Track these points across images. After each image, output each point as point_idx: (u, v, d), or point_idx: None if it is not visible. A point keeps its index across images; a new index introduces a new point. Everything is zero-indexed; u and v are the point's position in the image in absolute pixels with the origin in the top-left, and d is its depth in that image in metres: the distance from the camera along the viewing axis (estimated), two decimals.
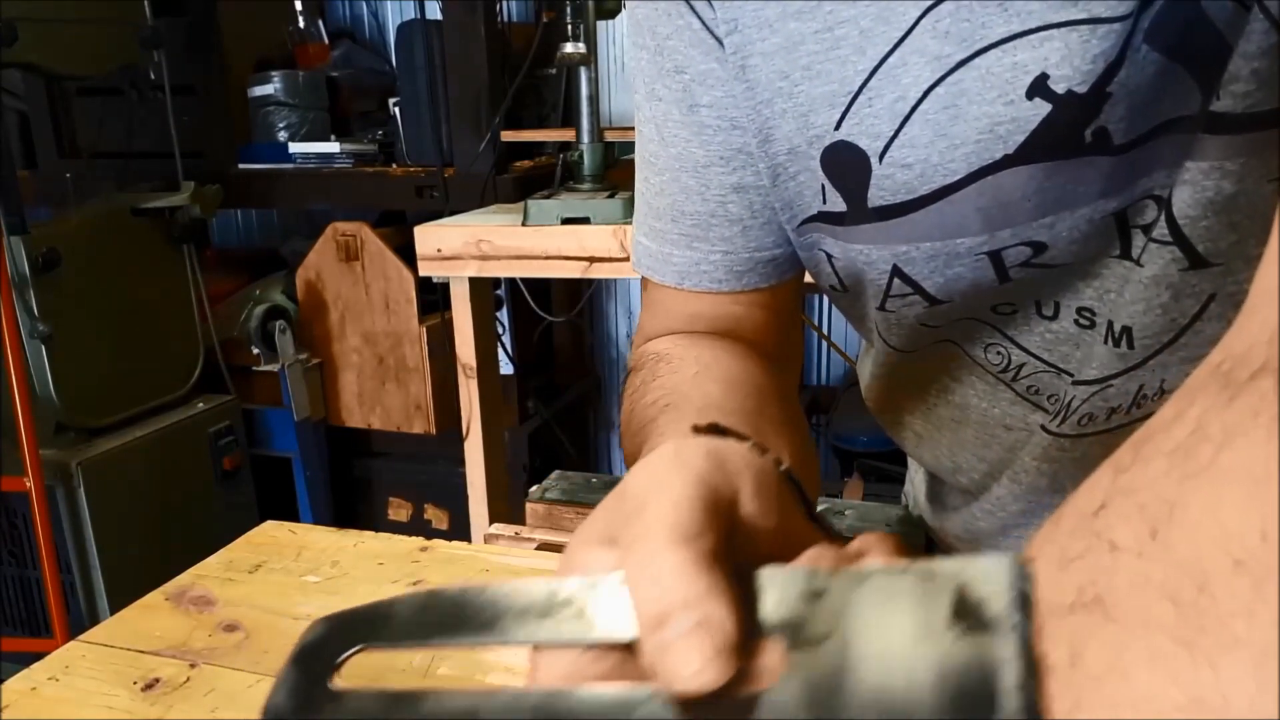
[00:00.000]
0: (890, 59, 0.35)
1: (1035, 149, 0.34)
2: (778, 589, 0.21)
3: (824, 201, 0.40)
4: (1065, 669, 0.19)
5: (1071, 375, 0.42)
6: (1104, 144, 0.34)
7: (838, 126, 0.37)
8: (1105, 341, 0.39)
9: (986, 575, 0.20)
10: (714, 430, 0.31)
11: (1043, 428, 0.44)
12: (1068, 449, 0.44)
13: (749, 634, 0.21)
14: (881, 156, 0.37)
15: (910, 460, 0.65)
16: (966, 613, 0.20)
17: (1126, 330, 0.39)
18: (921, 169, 0.36)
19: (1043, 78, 0.33)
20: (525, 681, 0.23)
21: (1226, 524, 0.17)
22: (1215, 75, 0.32)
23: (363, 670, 0.51)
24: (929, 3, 0.34)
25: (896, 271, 0.40)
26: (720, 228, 0.45)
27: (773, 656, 0.21)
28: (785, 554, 0.24)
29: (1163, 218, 0.35)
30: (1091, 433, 0.43)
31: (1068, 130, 0.34)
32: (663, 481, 0.24)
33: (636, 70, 0.46)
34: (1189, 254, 0.35)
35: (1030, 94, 0.33)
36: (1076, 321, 0.41)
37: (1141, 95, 0.33)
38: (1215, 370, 0.20)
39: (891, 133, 0.36)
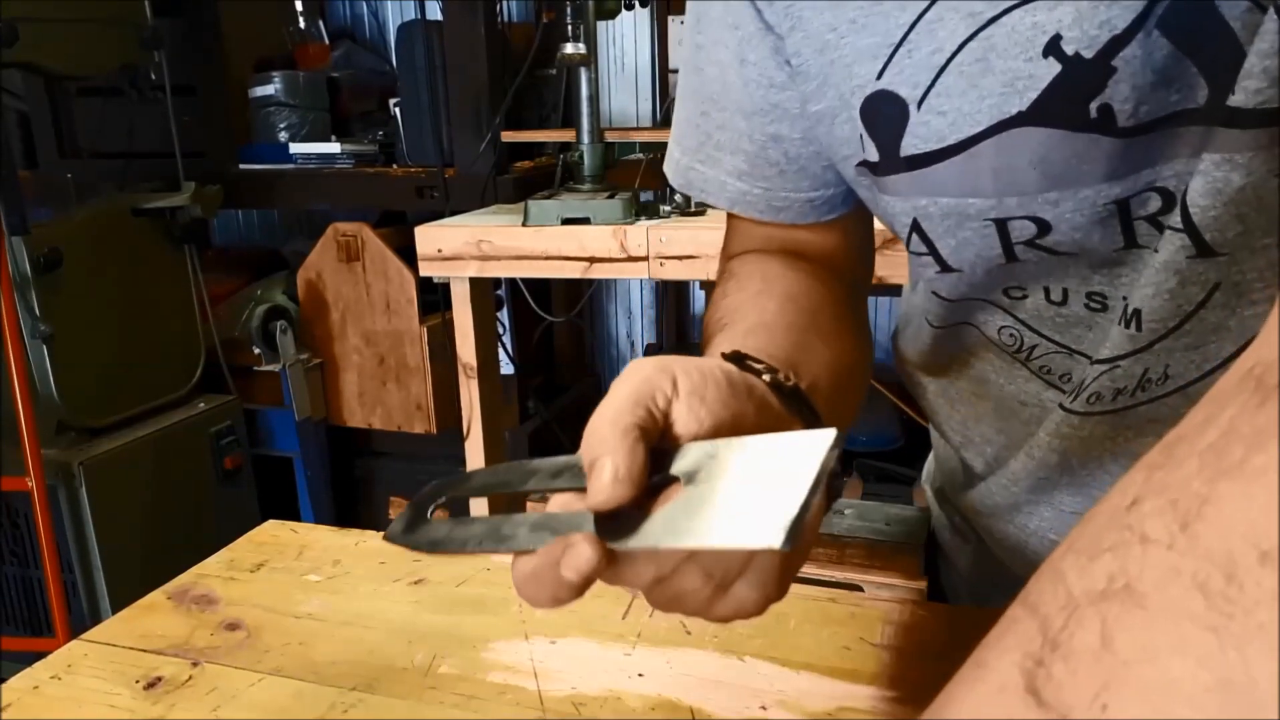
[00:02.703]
0: (928, 14, 0.38)
1: (1045, 109, 0.36)
2: (685, 453, 0.32)
3: (863, 150, 0.43)
4: (1095, 652, 0.20)
5: (1089, 356, 0.44)
6: (1108, 122, 0.36)
7: (879, 76, 0.40)
8: (1119, 323, 0.41)
9: (814, 440, 0.29)
10: (733, 357, 0.38)
11: (1060, 405, 0.46)
12: (1077, 427, 0.46)
13: (662, 480, 0.31)
14: (920, 104, 0.39)
15: (933, 435, 0.66)
16: (792, 459, 0.28)
17: (1136, 313, 0.40)
18: (954, 117, 0.38)
19: (1056, 38, 0.35)
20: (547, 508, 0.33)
21: (1255, 519, 0.18)
22: (1225, 72, 0.33)
23: (364, 670, 0.51)
24: None
25: (915, 226, 0.44)
26: (762, 168, 0.50)
27: (673, 490, 0.31)
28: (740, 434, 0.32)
29: (1177, 206, 0.37)
30: (1098, 412, 0.45)
31: (1074, 96, 0.36)
32: (616, 384, 0.34)
33: (706, 11, 0.50)
34: (1197, 242, 0.37)
35: (1045, 52, 0.35)
36: (1087, 305, 0.43)
37: (1147, 80, 0.34)
38: (1247, 375, 0.21)
39: (929, 82, 0.39)
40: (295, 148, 2.09)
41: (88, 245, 1.72)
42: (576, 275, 1.44)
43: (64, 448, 1.69)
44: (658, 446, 0.32)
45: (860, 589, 1.10)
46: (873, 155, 0.42)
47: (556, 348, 2.45)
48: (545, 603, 0.31)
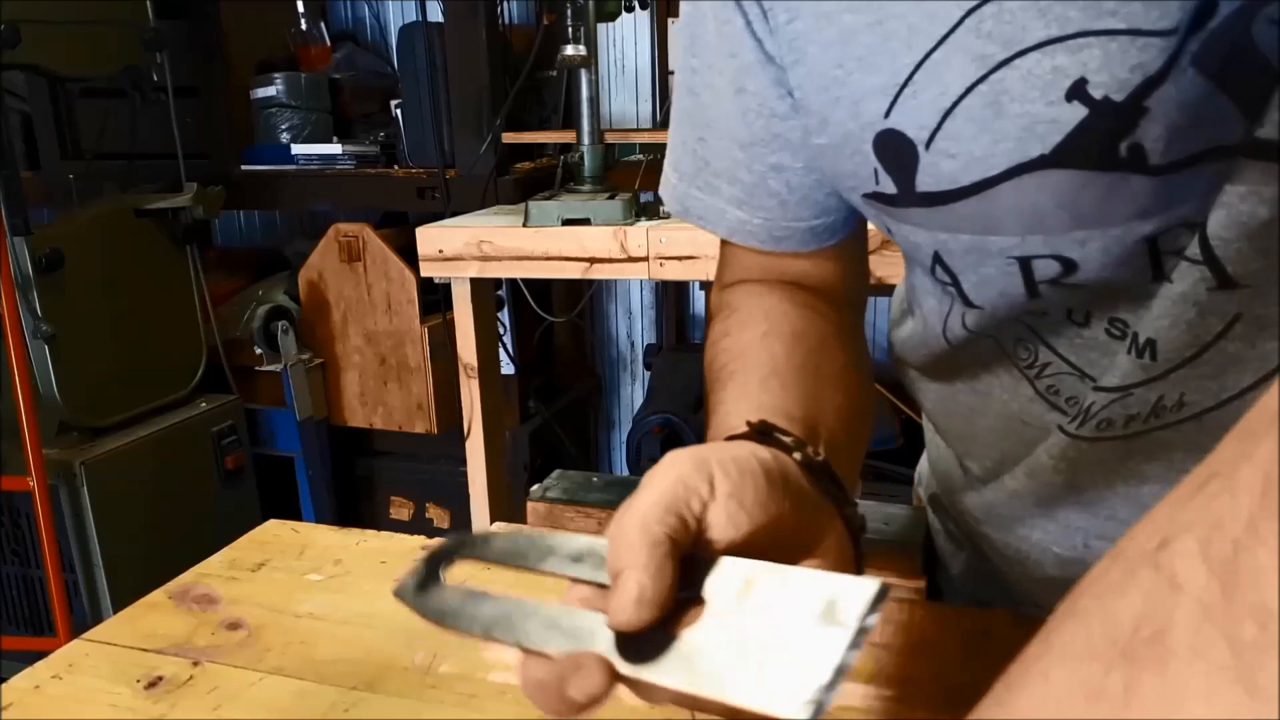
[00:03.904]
0: (934, 55, 0.37)
1: (1070, 152, 0.35)
2: (719, 572, 0.30)
3: (876, 183, 0.42)
4: (1119, 701, 0.19)
5: (1093, 380, 0.43)
6: (1140, 161, 0.34)
7: (887, 115, 0.39)
8: (1129, 352, 0.40)
9: (856, 592, 0.27)
10: (759, 433, 0.37)
11: (1060, 429, 0.45)
12: (1085, 451, 0.45)
13: (688, 597, 0.30)
14: (928, 145, 0.38)
15: (928, 437, 0.66)
16: (830, 613, 0.27)
17: (1150, 343, 0.39)
18: (964, 160, 0.37)
19: (1081, 82, 0.34)
20: (562, 601, 0.32)
21: None
22: (1259, 105, 0.32)
23: (365, 670, 0.51)
24: (972, 4, 0.35)
25: (937, 259, 0.43)
26: (762, 199, 0.49)
27: (699, 614, 0.29)
28: (777, 535, 0.32)
29: (1196, 237, 0.36)
30: (1109, 437, 0.44)
31: (1103, 139, 0.34)
32: (650, 482, 0.31)
33: (700, 35, 0.48)
34: (1218, 274, 0.36)
35: (1069, 96, 0.34)
36: (1108, 331, 0.42)
37: (1182, 117, 0.33)
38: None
39: (935, 124, 0.37)
40: (297, 149, 2.09)
41: (90, 246, 1.73)
42: (577, 276, 1.44)
43: (65, 447, 1.69)
44: (689, 554, 0.30)
45: None
46: (889, 188, 0.41)
47: (557, 348, 2.45)
48: (550, 714, 0.30)
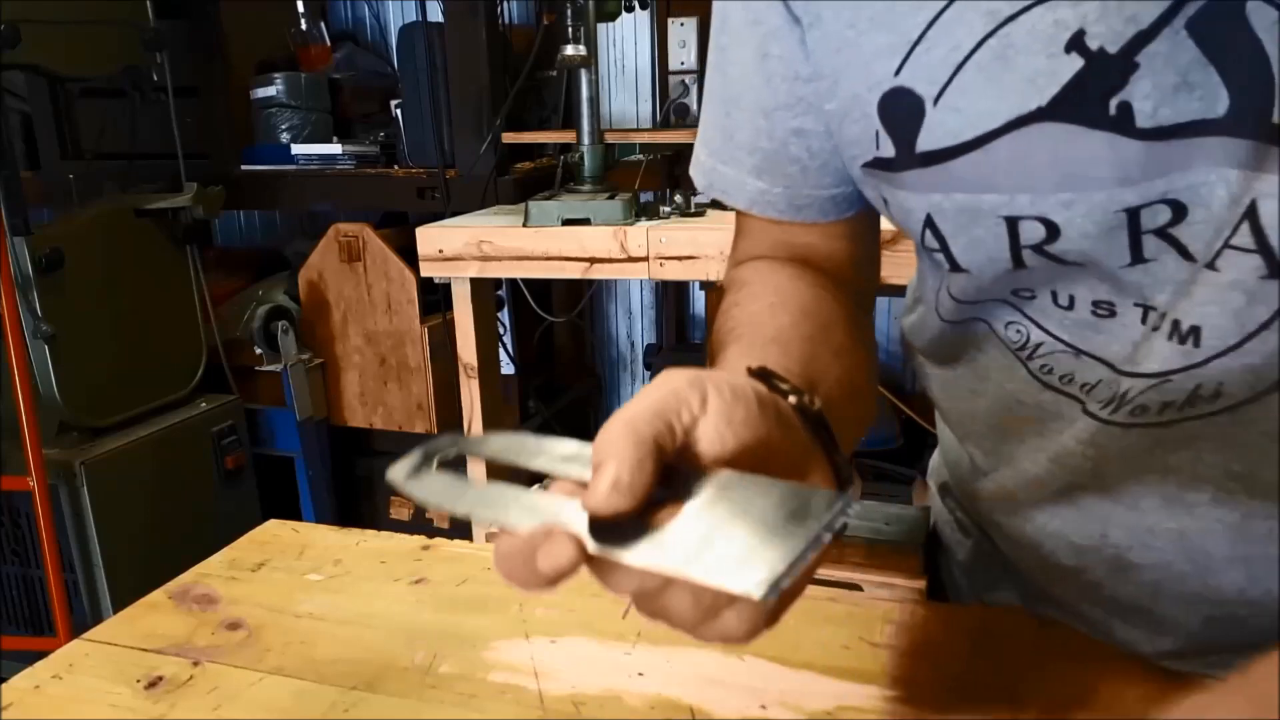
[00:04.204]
0: (947, 12, 0.38)
1: (1065, 105, 0.36)
2: (708, 481, 0.31)
3: (877, 147, 0.43)
4: None
5: (1091, 356, 0.44)
6: (1127, 121, 0.36)
7: (897, 73, 0.41)
8: (1170, 338, 0.40)
9: (827, 499, 0.30)
10: (759, 374, 0.38)
11: (1087, 412, 0.46)
12: (1117, 437, 0.45)
13: (667, 497, 0.31)
14: (936, 100, 0.40)
15: (939, 424, 0.66)
16: (800, 513, 0.30)
17: (1195, 330, 0.39)
18: (970, 115, 0.39)
19: (1080, 33, 0.35)
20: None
21: None
22: (1249, 83, 0.33)
23: (365, 670, 0.52)
24: None
25: (929, 222, 0.44)
26: (784, 165, 0.51)
27: (676, 509, 0.31)
28: (764, 459, 0.33)
29: (1246, 225, 0.36)
30: (1141, 424, 0.44)
31: (1096, 92, 0.36)
32: (644, 391, 0.33)
33: (729, 13, 0.51)
34: (1270, 263, 0.37)
35: (1068, 48, 0.36)
36: (1094, 312, 0.43)
37: (1169, 80, 0.35)
38: None
39: (946, 79, 0.39)
40: (297, 149, 2.09)
41: (90, 246, 1.73)
42: (577, 276, 1.44)
43: (65, 447, 1.69)
44: (677, 465, 0.31)
45: (860, 588, 1.10)
46: (888, 151, 0.43)
47: (557, 348, 2.45)
48: (518, 585, 0.31)
